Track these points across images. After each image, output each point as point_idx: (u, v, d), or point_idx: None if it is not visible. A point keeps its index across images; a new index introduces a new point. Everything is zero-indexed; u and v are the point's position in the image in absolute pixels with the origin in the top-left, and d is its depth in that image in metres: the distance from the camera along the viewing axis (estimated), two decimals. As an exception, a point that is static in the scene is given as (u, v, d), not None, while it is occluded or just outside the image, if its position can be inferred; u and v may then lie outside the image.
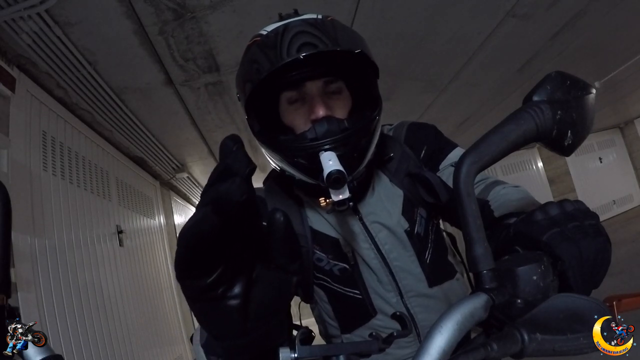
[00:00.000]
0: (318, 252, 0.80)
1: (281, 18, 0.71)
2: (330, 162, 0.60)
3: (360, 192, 0.79)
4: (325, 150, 0.63)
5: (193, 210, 5.56)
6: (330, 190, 0.60)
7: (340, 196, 0.60)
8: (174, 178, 3.85)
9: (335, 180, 0.58)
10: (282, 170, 0.74)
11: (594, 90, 0.49)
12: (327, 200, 0.62)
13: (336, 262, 0.79)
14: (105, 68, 1.94)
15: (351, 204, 0.62)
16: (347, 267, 0.79)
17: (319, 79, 0.70)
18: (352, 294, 0.80)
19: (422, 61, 2.61)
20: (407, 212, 0.79)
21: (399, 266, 0.78)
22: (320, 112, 0.68)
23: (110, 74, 2.00)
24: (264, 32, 0.69)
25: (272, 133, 0.73)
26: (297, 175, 0.70)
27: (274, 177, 0.86)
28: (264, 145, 0.71)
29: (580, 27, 2.65)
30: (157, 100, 2.36)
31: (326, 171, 0.59)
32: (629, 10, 2.59)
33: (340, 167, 0.59)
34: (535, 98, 0.46)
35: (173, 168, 3.67)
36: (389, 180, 0.81)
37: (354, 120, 0.71)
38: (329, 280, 0.80)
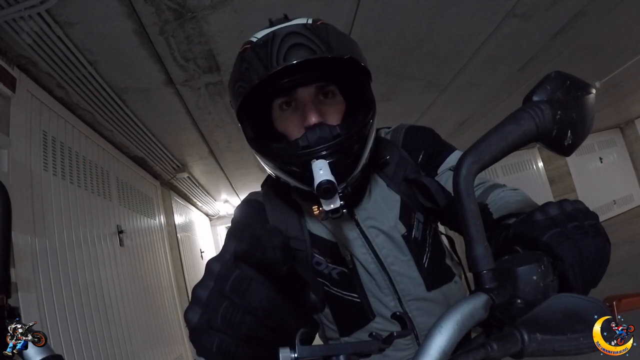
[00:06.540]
0: (317, 255, 0.79)
1: (271, 23, 0.70)
2: (321, 171, 0.60)
3: (356, 196, 0.78)
4: (317, 158, 0.63)
5: (194, 210, 5.57)
6: (322, 200, 0.60)
7: (332, 205, 0.60)
8: (175, 178, 3.86)
9: (325, 190, 0.58)
10: (277, 177, 0.74)
11: (594, 90, 0.49)
12: (320, 209, 0.62)
13: (335, 266, 0.79)
14: (105, 68, 1.94)
15: (345, 211, 0.62)
16: (346, 270, 0.79)
17: (311, 84, 0.69)
18: (350, 298, 0.80)
19: (422, 61, 2.61)
20: (405, 216, 0.79)
21: (397, 270, 0.78)
22: (312, 118, 0.67)
23: (110, 74, 2.00)
24: (254, 39, 0.68)
25: (266, 140, 0.73)
26: (292, 182, 0.70)
27: (272, 181, 0.85)
28: (257, 153, 0.71)
29: (580, 27, 2.64)
30: (157, 100, 2.36)
31: (316, 181, 0.58)
32: (629, 10, 2.58)
33: (330, 177, 0.58)
34: (535, 98, 0.46)
35: (173, 168, 3.67)
36: (386, 185, 0.81)
37: (347, 125, 0.70)
38: (328, 284, 0.80)
